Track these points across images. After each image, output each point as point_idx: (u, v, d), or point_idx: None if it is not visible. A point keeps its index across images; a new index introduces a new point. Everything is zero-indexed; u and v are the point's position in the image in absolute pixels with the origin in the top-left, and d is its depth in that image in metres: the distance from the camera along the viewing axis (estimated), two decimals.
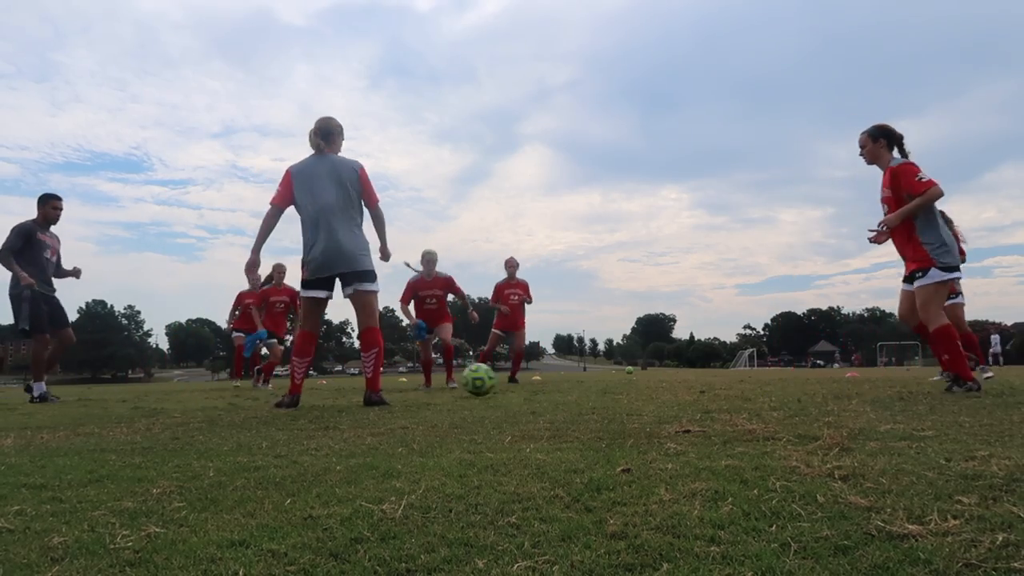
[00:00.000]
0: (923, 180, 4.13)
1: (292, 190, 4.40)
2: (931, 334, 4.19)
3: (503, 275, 8.94)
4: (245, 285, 9.71)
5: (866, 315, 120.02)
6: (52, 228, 6.51)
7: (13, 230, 6.22)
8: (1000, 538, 1.12)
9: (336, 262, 4.35)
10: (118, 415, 4.36)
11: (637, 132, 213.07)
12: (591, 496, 1.51)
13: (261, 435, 2.89)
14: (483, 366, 5.31)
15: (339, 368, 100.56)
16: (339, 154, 4.56)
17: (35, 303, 6.07)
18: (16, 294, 6.09)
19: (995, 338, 29.42)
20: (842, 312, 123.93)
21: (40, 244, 6.29)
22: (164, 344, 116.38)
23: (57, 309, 6.41)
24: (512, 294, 8.73)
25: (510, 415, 3.45)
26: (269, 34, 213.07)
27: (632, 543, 1.17)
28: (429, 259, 7.79)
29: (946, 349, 4.14)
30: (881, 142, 4.43)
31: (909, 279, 4.39)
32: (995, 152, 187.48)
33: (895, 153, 4.41)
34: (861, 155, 4.53)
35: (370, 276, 4.44)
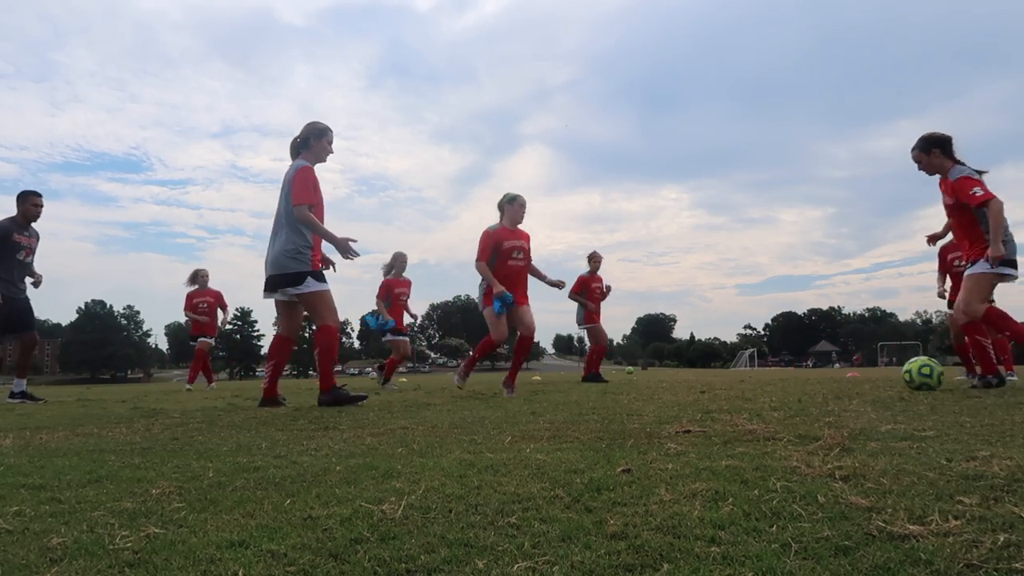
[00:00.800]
0: (977, 195, 4.21)
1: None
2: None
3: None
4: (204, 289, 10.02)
5: (867, 315, 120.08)
6: (33, 224, 6.39)
7: None
8: (1001, 539, 1.12)
9: (266, 269, 4.54)
10: (117, 415, 4.36)
11: (637, 132, 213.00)
12: (591, 496, 1.51)
13: (260, 435, 2.88)
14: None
15: (339, 368, 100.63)
16: (297, 159, 4.61)
17: None
18: None
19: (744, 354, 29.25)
20: (843, 312, 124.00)
21: (15, 245, 6.15)
22: (163, 344, 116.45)
23: (21, 312, 6.26)
24: (597, 288, 8.73)
25: (510, 415, 3.44)
26: (269, 34, 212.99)
27: (632, 543, 1.17)
28: None
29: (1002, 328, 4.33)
30: (935, 152, 4.47)
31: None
32: (995, 152, 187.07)
33: (955, 157, 4.47)
34: (921, 170, 4.58)
35: (297, 279, 4.44)
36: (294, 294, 4.45)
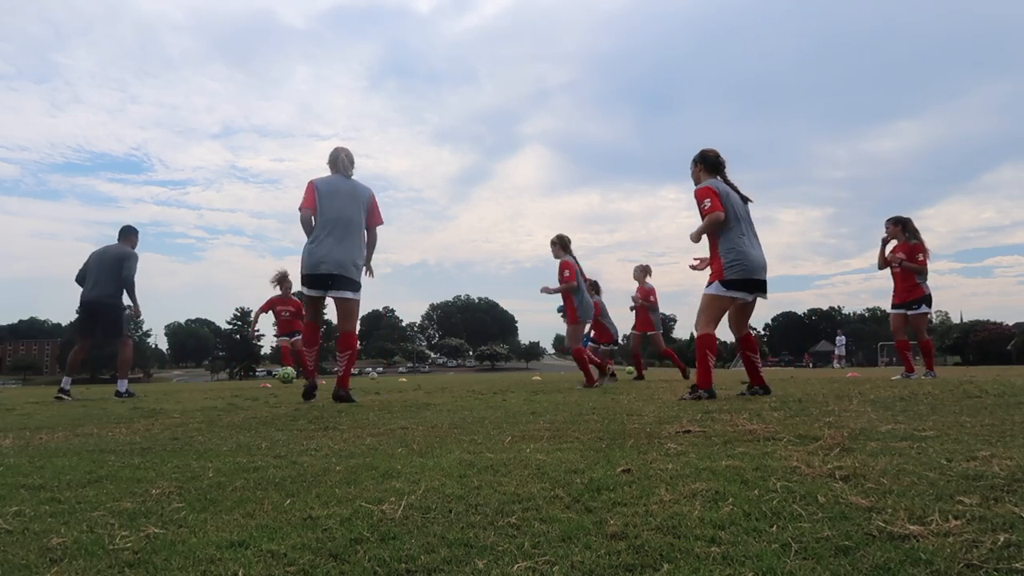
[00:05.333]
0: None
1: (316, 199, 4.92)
2: None
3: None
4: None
5: (867, 315, 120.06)
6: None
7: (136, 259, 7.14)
8: (1002, 539, 1.11)
9: (325, 266, 4.86)
10: (117, 415, 4.35)
11: (636, 132, 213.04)
12: (591, 496, 1.50)
13: (260, 435, 2.88)
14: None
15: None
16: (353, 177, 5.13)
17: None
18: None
19: (840, 339, 29.26)
20: (843, 312, 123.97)
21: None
22: (163, 344, 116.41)
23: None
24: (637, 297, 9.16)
25: (510, 415, 3.44)
26: (269, 36, 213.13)
27: (632, 543, 1.17)
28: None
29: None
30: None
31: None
32: (994, 152, 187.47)
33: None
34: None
35: (357, 287, 4.94)
36: (347, 297, 4.86)
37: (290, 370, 10.48)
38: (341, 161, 5.01)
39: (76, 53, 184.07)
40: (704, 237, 4.41)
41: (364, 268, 5.05)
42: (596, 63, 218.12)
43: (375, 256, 5.16)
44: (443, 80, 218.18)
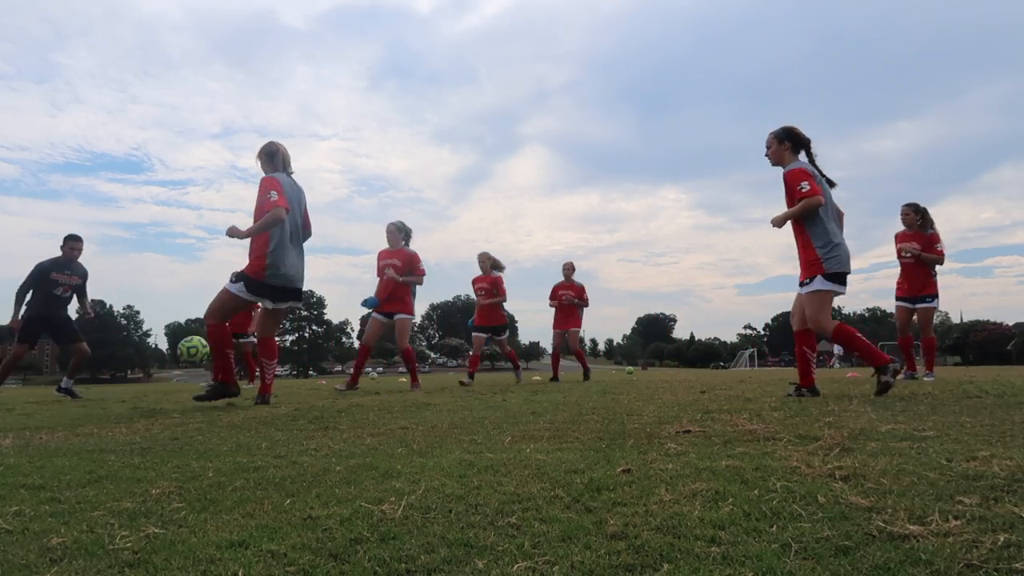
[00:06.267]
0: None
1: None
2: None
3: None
4: None
5: (867, 315, 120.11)
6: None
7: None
8: (1001, 539, 1.11)
9: (290, 279, 4.72)
10: (117, 415, 4.35)
11: (636, 133, 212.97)
12: (591, 496, 1.50)
13: (260, 435, 2.88)
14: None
15: (339, 368, 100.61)
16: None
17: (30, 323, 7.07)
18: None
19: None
20: (843, 312, 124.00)
21: (52, 282, 7.09)
22: (163, 344, 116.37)
23: (64, 329, 7.36)
24: (564, 295, 9.09)
25: (510, 415, 3.44)
26: (269, 36, 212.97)
27: (632, 543, 1.17)
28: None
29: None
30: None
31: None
32: (994, 153, 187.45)
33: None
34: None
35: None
36: (296, 307, 4.89)
37: (195, 344, 8.11)
38: (284, 157, 4.76)
39: (76, 53, 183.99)
40: (788, 225, 4.10)
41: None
42: (596, 63, 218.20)
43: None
44: (443, 80, 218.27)
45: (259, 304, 4.85)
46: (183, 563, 1.16)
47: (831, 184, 4.17)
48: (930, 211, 6.55)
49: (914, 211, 6.52)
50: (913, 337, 6.74)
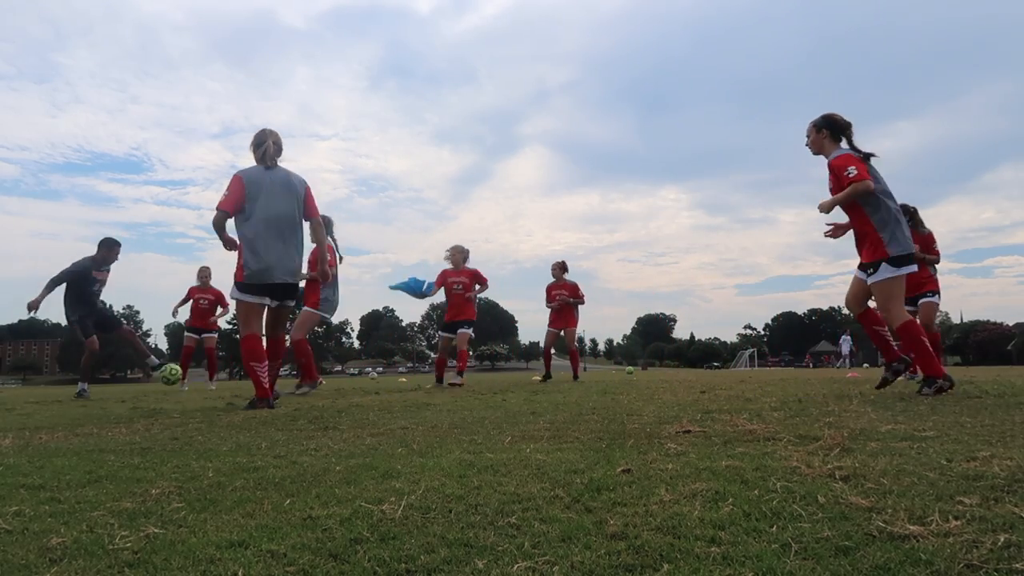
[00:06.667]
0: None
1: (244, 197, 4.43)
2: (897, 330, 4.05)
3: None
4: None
5: None
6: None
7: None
8: (1002, 539, 1.11)
9: (277, 274, 4.47)
10: (117, 415, 4.35)
11: (635, 133, 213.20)
12: (591, 496, 1.50)
13: (260, 435, 2.88)
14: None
15: (339, 368, 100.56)
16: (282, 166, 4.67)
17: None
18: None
19: (846, 338, 28.51)
20: (843, 312, 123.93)
21: (92, 280, 7.65)
22: (163, 344, 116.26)
23: (106, 317, 8.19)
24: (559, 295, 9.07)
25: (510, 415, 3.44)
26: (270, 36, 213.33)
27: (632, 544, 1.17)
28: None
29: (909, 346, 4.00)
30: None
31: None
32: (994, 153, 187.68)
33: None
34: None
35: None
36: (289, 306, 4.66)
37: (176, 368, 9.05)
38: (269, 148, 4.50)
39: (76, 53, 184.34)
40: (840, 211, 4.02)
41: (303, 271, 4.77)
42: (596, 63, 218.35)
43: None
44: (443, 80, 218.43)
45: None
46: (183, 563, 1.16)
47: (872, 160, 4.07)
48: (931, 211, 6.60)
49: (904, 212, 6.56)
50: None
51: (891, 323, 4.04)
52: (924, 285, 6.42)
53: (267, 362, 4.58)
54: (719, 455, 1.97)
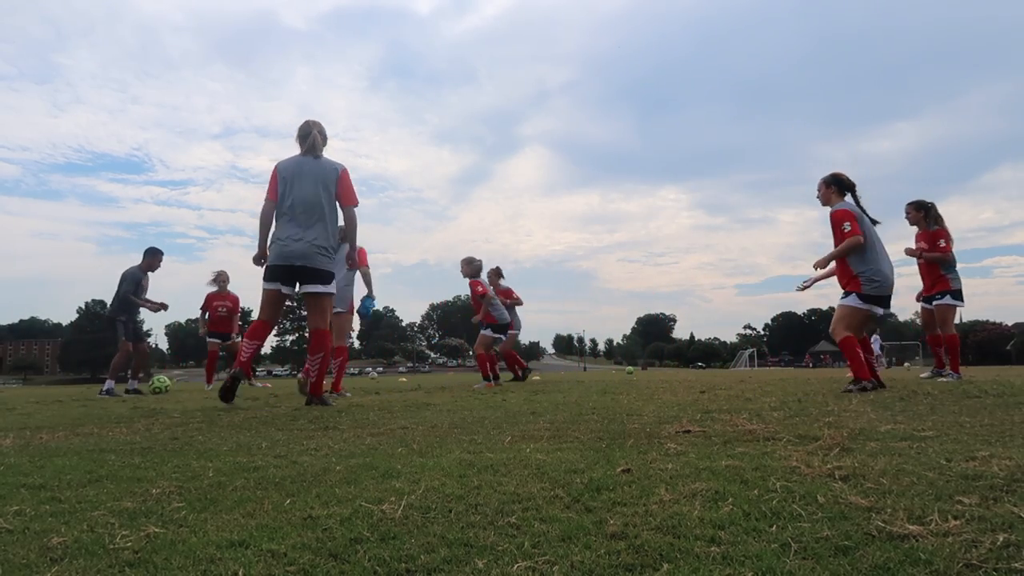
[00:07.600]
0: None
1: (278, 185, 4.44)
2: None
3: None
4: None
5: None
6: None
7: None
8: (1001, 538, 1.12)
9: (287, 257, 4.36)
10: (117, 415, 4.35)
11: (635, 133, 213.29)
12: (591, 496, 1.51)
13: (261, 435, 2.88)
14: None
15: None
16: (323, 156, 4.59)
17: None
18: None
19: (876, 338, 28.34)
20: None
21: (142, 288, 8.30)
22: (164, 344, 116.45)
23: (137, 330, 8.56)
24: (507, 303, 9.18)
25: (510, 415, 3.44)
26: (270, 37, 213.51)
27: (632, 543, 1.17)
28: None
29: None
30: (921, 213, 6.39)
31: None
32: (993, 153, 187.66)
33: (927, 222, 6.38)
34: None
35: (328, 278, 4.46)
36: (317, 292, 4.40)
37: (165, 379, 9.31)
38: (317, 139, 4.48)
39: (77, 54, 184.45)
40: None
41: (334, 256, 4.53)
42: (596, 63, 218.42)
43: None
44: (443, 81, 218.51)
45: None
46: (183, 563, 1.16)
47: (874, 223, 4.72)
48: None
49: (915, 209, 6.45)
50: (941, 336, 6.53)
51: (834, 337, 4.69)
52: (936, 287, 6.37)
53: (259, 341, 4.55)
54: (719, 455, 1.97)
